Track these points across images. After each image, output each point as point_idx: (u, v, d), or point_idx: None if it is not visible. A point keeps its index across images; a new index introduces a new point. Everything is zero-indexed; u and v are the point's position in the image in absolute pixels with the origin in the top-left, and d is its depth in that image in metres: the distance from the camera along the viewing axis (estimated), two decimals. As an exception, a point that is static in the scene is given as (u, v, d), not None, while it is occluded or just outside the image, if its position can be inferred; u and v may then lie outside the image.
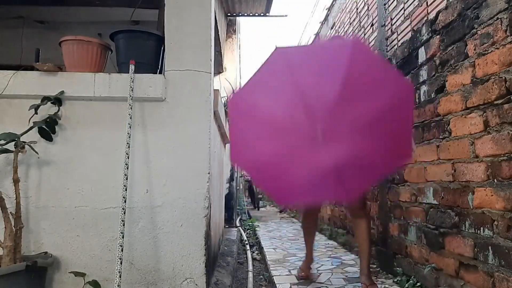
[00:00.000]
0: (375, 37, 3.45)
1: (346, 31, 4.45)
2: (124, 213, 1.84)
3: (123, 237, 1.79)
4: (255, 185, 2.51)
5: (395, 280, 2.69)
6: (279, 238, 4.80)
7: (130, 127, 1.98)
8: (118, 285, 1.70)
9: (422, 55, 2.54)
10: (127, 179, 1.89)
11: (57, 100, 2.05)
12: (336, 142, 1.77)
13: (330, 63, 1.88)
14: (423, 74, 2.52)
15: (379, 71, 1.91)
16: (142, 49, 2.22)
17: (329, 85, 1.79)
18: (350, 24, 4.26)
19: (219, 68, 6.16)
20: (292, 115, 1.83)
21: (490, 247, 1.84)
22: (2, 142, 1.86)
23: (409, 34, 2.73)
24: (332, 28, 5.16)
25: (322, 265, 3.21)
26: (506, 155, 1.73)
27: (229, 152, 2.17)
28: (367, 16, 3.69)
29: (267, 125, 1.89)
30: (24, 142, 1.90)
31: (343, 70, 1.78)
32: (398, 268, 2.78)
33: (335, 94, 1.77)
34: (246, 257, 3.85)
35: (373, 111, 1.78)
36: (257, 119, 1.92)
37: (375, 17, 3.44)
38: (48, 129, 2.01)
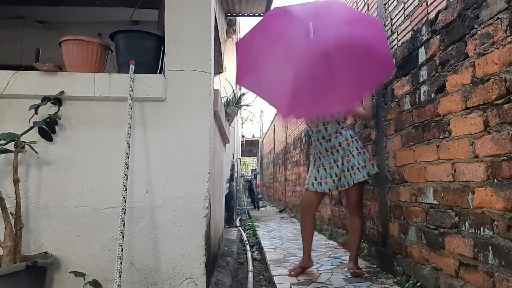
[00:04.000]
0: (375, 37, 3.45)
1: (346, 31, 4.45)
2: (124, 213, 1.84)
3: (123, 237, 1.79)
4: (260, 97, 2.69)
5: (395, 280, 2.69)
6: (279, 238, 4.80)
7: (130, 127, 1.98)
8: (118, 285, 1.70)
9: (422, 55, 2.54)
10: (127, 179, 1.89)
11: (57, 100, 2.05)
12: (327, 40, 2.12)
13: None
14: (423, 74, 2.52)
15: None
16: (142, 49, 2.22)
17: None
18: (350, 24, 4.26)
19: (219, 68, 6.15)
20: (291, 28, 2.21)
21: (490, 247, 1.84)
22: (2, 142, 1.86)
23: (409, 34, 2.74)
24: (332, 28, 5.16)
25: (322, 265, 3.21)
26: (506, 155, 1.73)
27: (236, 75, 2.44)
28: (367, 16, 3.69)
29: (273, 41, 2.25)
30: (24, 142, 1.90)
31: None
32: (398, 268, 2.78)
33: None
34: (246, 257, 3.86)
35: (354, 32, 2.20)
36: (265, 39, 2.29)
37: (375, 17, 3.44)
38: (48, 129, 2.01)
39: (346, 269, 3.02)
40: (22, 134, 1.91)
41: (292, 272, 2.88)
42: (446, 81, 2.24)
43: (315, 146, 3.02)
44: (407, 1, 2.78)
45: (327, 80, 2.07)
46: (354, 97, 2.32)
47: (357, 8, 4.01)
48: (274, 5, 7.92)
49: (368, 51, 2.19)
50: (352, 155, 2.88)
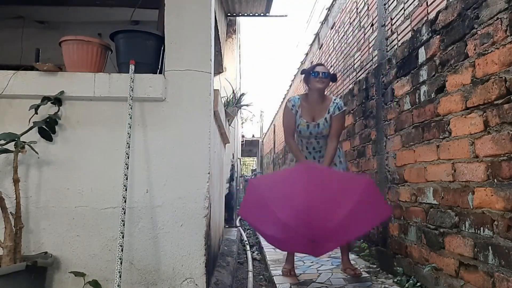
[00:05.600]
0: (375, 37, 3.45)
1: (346, 31, 4.45)
2: (124, 213, 1.84)
3: (123, 237, 1.79)
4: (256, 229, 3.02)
5: (395, 280, 2.69)
6: (279, 238, 4.79)
7: (130, 127, 1.98)
8: (118, 285, 1.70)
9: (422, 55, 2.54)
10: (127, 179, 1.89)
11: (57, 100, 2.05)
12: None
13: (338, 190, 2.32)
14: (423, 74, 2.52)
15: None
16: (142, 49, 2.22)
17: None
18: (350, 24, 4.26)
19: (219, 68, 6.15)
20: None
21: (490, 247, 1.84)
22: (2, 142, 1.86)
23: (409, 34, 2.73)
24: (332, 28, 5.16)
25: (322, 265, 3.21)
26: (506, 155, 1.73)
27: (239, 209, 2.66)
28: (367, 16, 3.69)
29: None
30: (24, 142, 1.90)
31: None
32: (398, 268, 2.78)
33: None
34: (246, 257, 3.86)
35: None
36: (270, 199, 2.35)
37: (375, 17, 3.44)
38: (48, 129, 2.01)
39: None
40: (22, 134, 1.91)
41: (284, 273, 2.89)
42: (446, 81, 2.24)
43: (303, 151, 2.99)
44: (407, 1, 2.78)
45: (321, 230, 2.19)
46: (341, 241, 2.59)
47: (357, 8, 4.01)
48: (274, 5, 7.92)
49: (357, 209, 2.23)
50: (335, 164, 2.90)
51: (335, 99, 2.96)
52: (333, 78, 2.97)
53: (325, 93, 2.99)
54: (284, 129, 2.96)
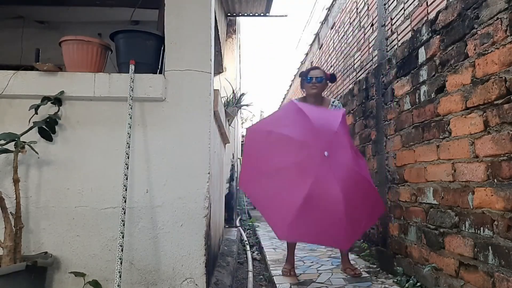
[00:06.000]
0: (375, 37, 3.45)
1: (346, 31, 4.45)
2: (124, 213, 1.83)
3: (123, 237, 1.79)
4: (258, 209, 2.64)
5: (395, 280, 2.69)
6: (279, 238, 4.79)
7: (130, 127, 1.98)
8: (118, 285, 1.70)
9: (422, 55, 2.54)
10: (127, 179, 1.89)
11: (57, 100, 2.05)
12: (338, 169, 2.08)
13: (329, 117, 2.37)
14: (423, 74, 2.52)
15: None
16: (142, 49, 2.22)
17: (328, 128, 2.22)
18: (350, 24, 4.26)
19: (219, 68, 6.15)
20: (302, 141, 2.14)
21: (490, 247, 1.84)
22: (2, 142, 1.86)
23: (409, 34, 2.73)
24: (332, 28, 5.16)
25: (322, 265, 3.21)
26: (506, 155, 1.73)
27: (239, 178, 2.41)
28: (367, 16, 3.69)
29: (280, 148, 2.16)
30: (24, 142, 1.90)
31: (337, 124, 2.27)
32: (398, 268, 2.78)
33: (332, 134, 2.21)
34: (246, 257, 3.86)
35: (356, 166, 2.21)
36: (272, 145, 2.20)
37: (375, 17, 3.44)
38: (48, 129, 2.01)
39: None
40: (22, 134, 1.91)
41: (284, 273, 2.89)
42: (446, 81, 2.24)
43: None
44: (407, 1, 2.78)
45: (335, 210, 1.99)
46: (354, 235, 2.24)
47: (357, 8, 4.01)
48: (274, 5, 7.91)
49: (369, 185, 2.21)
50: None
51: (333, 101, 2.97)
52: (332, 79, 2.98)
53: (325, 94, 2.99)
54: None
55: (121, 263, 1.74)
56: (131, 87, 2.04)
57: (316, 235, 2.06)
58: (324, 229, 2.02)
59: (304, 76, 2.95)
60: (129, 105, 2.01)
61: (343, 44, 4.59)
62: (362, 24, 3.83)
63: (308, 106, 2.49)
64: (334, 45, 5.03)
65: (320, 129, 2.17)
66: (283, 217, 1.99)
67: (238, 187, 7.33)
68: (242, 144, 13.97)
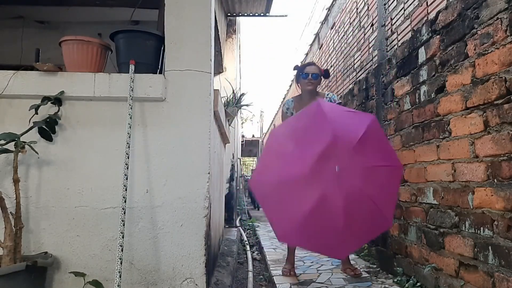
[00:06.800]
0: (375, 37, 3.45)
1: (346, 31, 4.45)
2: (124, 213, 1.84)
3: (123, 237, 1.79)
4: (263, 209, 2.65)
5: (395, 280, 2.69)
6: (279, 238, 4.79)
7: (130, 127, 1.98)
8: (118, 285, 1.70)
9: (422, 55, 2.54)
10: (127, 179, 1.89)
11: (57, 100, 2.05)
12: (349, 184, 2.00)
13: (353, 122, 2.18)
14: (423, 74, 2.52)
15: (384, 144, 2.26)
16: (142, 49, 2.22)
17: (348, 140, 2.07)
18: (350, 24, 4.26)
19: (219, 68, 6.15)
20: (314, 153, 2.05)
21: (490, 247, 1.84)
22: (2, 142, 1.86)
23: (409, 34, 2.73)
24: (332, 28, 5.16)
25: (322, 265, 3.21)
26: (506, 155, 1.73)
27: (252, 173, 2.42)
28: (367, 16, 3.69)
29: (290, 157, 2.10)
30: (24, 142, 1.90)
31: (361, 131, 2.09)
32: (398, 268, 2.78)
33: (351, 148, 2.05)
34: (246, 257, 3.85)
35: (375, 174, 2.07)
36: (284, 153, 2.14)
37: (375, 17, 3.44)
38: (48, 129, 2.01)
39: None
40: (22, 134, 1.91)
41: (284, 273, 2.89)
42: (446, 81, 2.24)
43: None
44: (407, 1, 2.78)
45: (335, 223, 1.98)
46: (352, 247, 2.25)
47: (357, 8, 4.01)
48: (274, 5, 7.91)
49: (377, 206, 2.11)
50: None
51: (327, 94, 2.97)
52: (325, 75, 2.98)
53: (320, 89, 3.00)
54: None
55: (121, 263, 1.74)
56: (131, 87, 2.04)
57: (315, 244, 2.11)
58: (323, 242, 2.07)
59: (300, 71, 2.95)
60: (129, 105, 2.01)
61: (343, 44, 4.59)
62: (362, 24, 3.83)
63: (334, 109, 2.34)
64: (334, 45, 5.03)
65: (339, 139, 2.07)
66: (287, 222, 2.04)
67: (238, 188, 7.33)
68: (242, 144, 14.00)
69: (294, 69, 3.02)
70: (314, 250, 2.60)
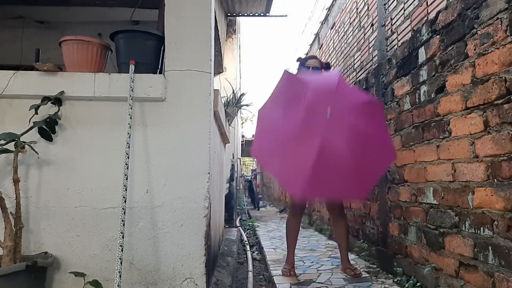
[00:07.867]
0: (375, 37, 3.45)
1: (346, 31, 4.45)
2: (124, 213, 1.84)
3: (123, 237, 1.79)
4: (273, 175, 2.81)
5: (395, 280, 2.69)
6: (279, 238, 4.80)
7: (130, 127, 1.98)
8: (118, 285, 1.70)
9: (422, 55, 2.54)
10: (127, 179, 1.89)
11: (57, 100, 2.05)
12: (343, 124, 2.14)
13: (325, 76, 2.53)
14: (423, 74, 2.52)
15: (355, 89, 2.68)
16: (142, 49, 2.22)
17: (326, 89, 2.28)
18: (350, 24, 4.26)
19: (219, 68, 6.15)
20: (307, 104, 2.21)
21: (490, 247, 1.84)
22: (2, 142, 1.86)
23: (409, 34, 2.73)
24: (332, 28, 5.16)
25: (322, 265, 3.21)
26: (506, 155, 1.73)
27: (252, 147, 2.50)
28: (367, 16, 3.69)
29: (287, 118, 2.25)
30: (24, 142, 1.90)
31: (336, 80, 2.32)
32: (398, 268, 2.78)
33: (334, 91, 2.26)
34: (246, 257, 3.86)
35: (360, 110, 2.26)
36: (279, 119, 2.29)
37: (375, 17, 3.44)
38: (48, 129, 2.01)
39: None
40: (22, 134, 1.91)
41: (284, 273, 2.89)
42: (446, 81, 2.24)
43: None
44: (407, 1, 2.78)
45: (344, 164, 2.08)
46: (367, 186, 2.31)
47: (357, 8, 4.01)
48: (274, 5, 7.92)
49: (376, 137, 2.25)
50: None
51: None
52: (326, 67, 3.04)
53: None
54: None
55: (121, 263, 1.74)
56: (131, 87, 2.04)
57: (331, 190, 2.20)
58: (337, 184, 2.12)
59: (301, 64, 3.02)
60: (129, 105, 2.01)
61: (343, 44, 4.59)
62: (362, 24, 3.83)
63: (303, 75, 2.59)
64: (334, 45, 5.03)
65: (319, 92, 2.24)
66: (298, 179, 2.10)
67: (238, 188, 7.34)
68: (242, 144, 14.01)
69: (297, 60, 3.10)
70: (333, 196, 2.60)
